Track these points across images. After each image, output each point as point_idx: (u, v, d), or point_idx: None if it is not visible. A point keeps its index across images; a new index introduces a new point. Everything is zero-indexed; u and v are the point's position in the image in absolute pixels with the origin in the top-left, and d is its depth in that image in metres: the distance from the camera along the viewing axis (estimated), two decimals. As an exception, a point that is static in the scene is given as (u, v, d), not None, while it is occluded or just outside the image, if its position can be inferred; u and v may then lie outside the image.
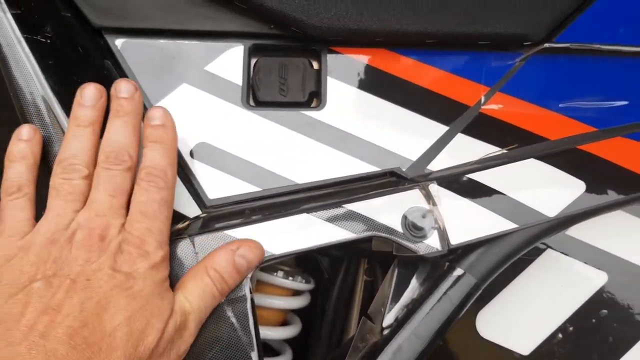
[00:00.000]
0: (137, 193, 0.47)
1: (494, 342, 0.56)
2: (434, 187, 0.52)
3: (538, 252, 0.56)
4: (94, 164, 0.48)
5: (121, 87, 0.50)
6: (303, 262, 0.63)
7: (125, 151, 0.47)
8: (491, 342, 0.56)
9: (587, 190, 0.52)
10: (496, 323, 0.56)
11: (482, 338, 0.56)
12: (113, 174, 0.47)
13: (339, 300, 0.60)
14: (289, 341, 0.62)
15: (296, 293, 0.60)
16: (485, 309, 0.56)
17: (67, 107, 0.50)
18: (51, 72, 0.50)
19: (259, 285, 0.58)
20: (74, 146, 0.48)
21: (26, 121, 0.50)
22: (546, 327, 0.57)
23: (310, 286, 0.60)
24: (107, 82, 0.50)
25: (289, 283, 0.57)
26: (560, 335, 0.57)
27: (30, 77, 0.50)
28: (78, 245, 0.44)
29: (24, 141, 0.48)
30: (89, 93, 0.49)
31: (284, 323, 0.62)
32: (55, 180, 0.47)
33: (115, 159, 0.47)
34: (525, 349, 0.57)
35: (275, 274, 0.57)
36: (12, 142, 0.49)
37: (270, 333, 0.58)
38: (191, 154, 0.52)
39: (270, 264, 0.57)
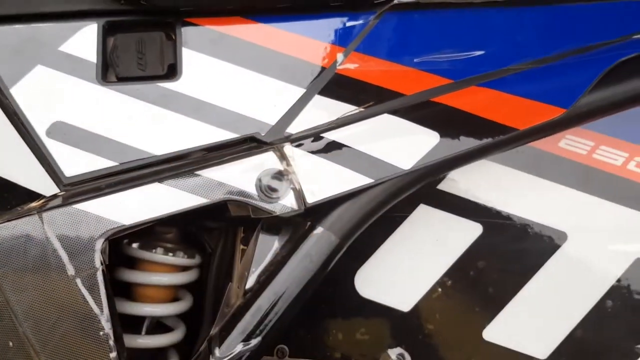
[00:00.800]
0: None
1: (374, 300, 0.57)
2: (288, 149, 0.52)
3: (411, 208, 0.57)
4: None
5: None
6: (189, 238, 0.63)
7: None
8: (371, 301, 0.57)
9: (441, 140, 0.52)
10: (375, 282, 0.57)
11: (361, 297, 0.56)
12: None
13: (219, 272, 0.60)
14: (185, 317, 0.62)
15: (185, 269, 0.60)
16: (363, 268, 0.57)
17: None
18: None
19: (142, 264, 0.58)
20: None
21: None
22: (425, 283, 0.57)
23: (194, 261, 0.60)
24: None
25: (167, 259, 0.57)
26: (439, 290, 0.57)
27: None
28: None
29: None
30: None
31: (176, 300, 0.62)
32: None
33: None
34: (405, 306, 0.57)
35: (154, 250, 0.57)
36: None
37: (157, 310, 0.58)
38: (47, 133, 0.52)
39: (150, 242, 0.58)
